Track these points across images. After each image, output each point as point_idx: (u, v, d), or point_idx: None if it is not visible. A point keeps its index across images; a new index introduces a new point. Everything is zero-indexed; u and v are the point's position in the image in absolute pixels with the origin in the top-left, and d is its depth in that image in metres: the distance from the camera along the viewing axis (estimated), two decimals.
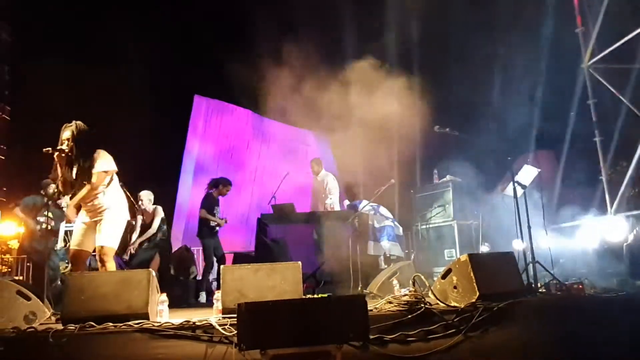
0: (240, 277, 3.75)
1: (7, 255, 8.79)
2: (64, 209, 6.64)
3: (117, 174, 4.62)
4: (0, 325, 3.22)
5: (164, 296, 3.81)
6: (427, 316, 3.46)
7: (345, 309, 2.82)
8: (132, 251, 6.62)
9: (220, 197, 7.29)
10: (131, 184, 6.83)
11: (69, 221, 6.01)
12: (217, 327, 3.16)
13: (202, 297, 6.93)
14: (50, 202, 6.30)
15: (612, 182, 8.53)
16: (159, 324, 3.27)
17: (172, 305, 3.92)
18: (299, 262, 3.85)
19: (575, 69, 9.29)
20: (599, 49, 8.75)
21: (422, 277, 4.19)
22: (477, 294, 3.70)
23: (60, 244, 6.92)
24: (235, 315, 2.83)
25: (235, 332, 2.95)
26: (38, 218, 6.43)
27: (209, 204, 7.13)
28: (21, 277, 7.38)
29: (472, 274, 3.79)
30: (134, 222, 6.74)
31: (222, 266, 3.96)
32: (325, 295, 4.85)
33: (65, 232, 7.04)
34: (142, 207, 6.80)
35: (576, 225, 7.65)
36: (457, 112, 10.36)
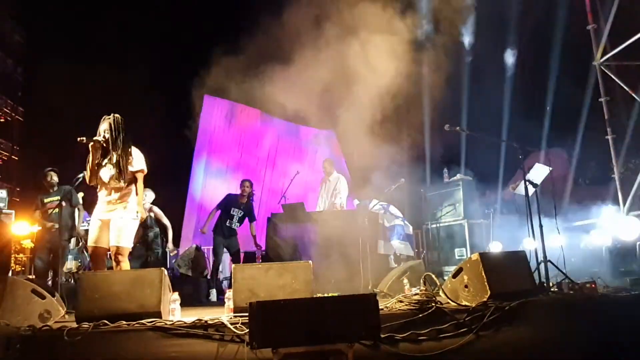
0: (252, 276, 3.77)
1: (21, 255, 8.92)
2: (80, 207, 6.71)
3: None
4: (16, 324, 3.26)
5: (176, 295, 3.84)
6: (438, 315, 3.45)
7: (356, 308, 2.82)
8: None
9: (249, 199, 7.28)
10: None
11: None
12: (229, 325, 3.18)
13: (213, 295, 6.97)
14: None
15: (625, 180, 8.43)
16: (171, 322, 3.30)
17: (183, 304, 3.95)
18: (310, 262, 3.87)
19: (586, 67, 9.20)
20: (610, 46, 8.65)
21: (433, 276, 4.18)
22: (489, 293, 3.68)
23: (72, 244, 7.00)
24: (246, 314, 2.85)
25: (247, 330, 2.97)
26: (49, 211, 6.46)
27: (223, 203, 7.19)
28: (34, 276, 7.47)
29: (483, 273, 3.77)
30: None
31: (233, 265, 3.98)
32: (336, 294, 4.87)
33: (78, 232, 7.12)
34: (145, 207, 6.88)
35: (588, 223, 7.57)
36: (468, 110, 10.33)
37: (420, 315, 3.41)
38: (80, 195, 6.93)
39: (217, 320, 3.26)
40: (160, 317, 3.44)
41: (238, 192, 7.26)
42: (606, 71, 8.71)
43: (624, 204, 8.03)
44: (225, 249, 7.25)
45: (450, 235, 7.37)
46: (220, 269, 7.87)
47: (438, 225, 7.53)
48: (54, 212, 6.18)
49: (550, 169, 5.82)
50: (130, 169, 4.44)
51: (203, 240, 8.39)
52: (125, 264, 4.39)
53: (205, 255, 7.72)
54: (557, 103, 10.40)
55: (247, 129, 11.63)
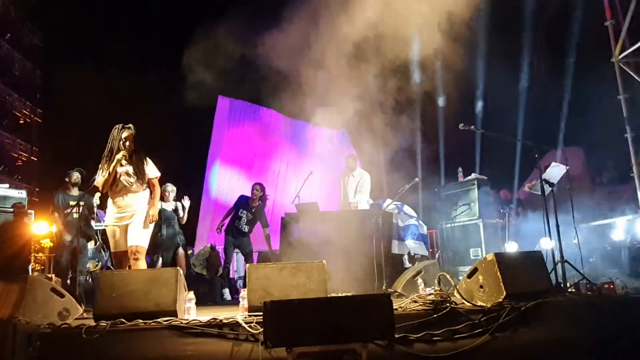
0: (266, 275, 3.79)
1: (40, 254, 9.08)
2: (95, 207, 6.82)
3: None
4: (36, 322, 3.32)
5: (192, 294, 3.88)
6: (452, 316, 3.44)
7: (370, 308, 2.82)
8: None
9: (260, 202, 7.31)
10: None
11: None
12: (244, 324, 3.20)
13: (227, 294, 7.03)
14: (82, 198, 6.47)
15: None
16: (186, 321, 3.34)
17: (198, 303, 3.99)
18: (324, 261, 3.87)
19: (604, 63, 9.04)
20: (629, 42, 8.49)
21: (448, 276, 4.16)
22: (504, 293, 3.65)
23: (91, 243, 7.11)
24: (261, 314, 2.86)
25: (261, 330, 2.99)
26: (68, 212, 6.59)
27: (236, 204, 7.25)
28: (53, 275, 7.60)
29: (498, 274, 3.73)
30: None
31: (247, 265, 4.01)
32: (350, 294, 4.87)
33: (95, 231, 7.24)
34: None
35: (607, 223, 7.44)
36: (483, 109, 10.24)
37: (435, 316, 3.40)
38: (97, 195, 7.04)
39: (231, 320, 3.29)
40: (176, 316, 3.49)
41: (249, 194, 7.32)
42: (625, 68, 8.55)
43: None
44: (237, 249, 7.30)
45: (465, 235, 7.31)
46: (235, 268, 7.94)
47: (453, 225, 7.48)
48: (75, 216, 6.37)
49: (567, 167, 5.74)
50: (154, 175, 4.74)
51: (218, 240, 8.45)
52: (143, 263, 4.52)
53: (220, 254, 7.78)
54: (574, 100, 10.24)
55: (261, 129, 11.68)
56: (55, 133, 11.36)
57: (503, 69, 9.90)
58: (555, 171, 5.69)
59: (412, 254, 6.76)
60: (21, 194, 6.78)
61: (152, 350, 3.17)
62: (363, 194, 7.36)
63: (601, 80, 9.13)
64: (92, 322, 3.37)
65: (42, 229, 7.64)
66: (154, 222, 4.69)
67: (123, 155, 4.53)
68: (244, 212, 7.18)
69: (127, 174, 4.56)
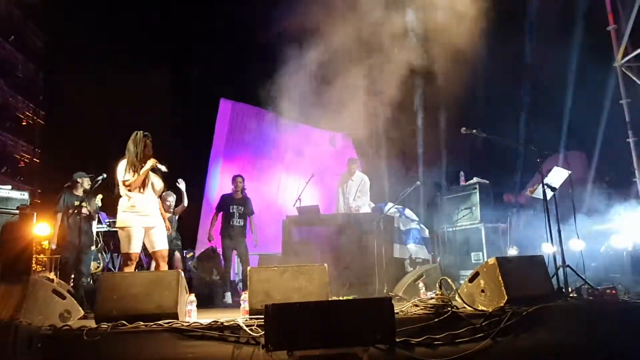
0: (267, 278, 3.79)
1: (42, 255, 9.08)
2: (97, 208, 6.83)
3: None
4: (37, 323, 3.33)
5: (193, 296, 3.88)
6: (454, 320, 3.43)
7: (371, 312, 2.82)
8: None
9: (247, 197, 7.33)
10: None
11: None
12: (245, 327, 3.20)
13: (228, 297, 7.02)
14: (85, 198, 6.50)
15: None
16: (187, 324, 3.34)
17: (199, 306, 3.99)
18: (325, 265, 3.87)
19: (606, 68, 9.04)
20: (632, 47, 8.49)
21: (449, 280, 4.15)
22: (506, 298, 3.64)
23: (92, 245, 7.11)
24: (262, 316, 2.86)
25: (262, 333, 2.99)
26: (72, 214, 6.59)
27: (220, 205, 7.25)
28: (54, 276, 7.61)
29: (500, 278, 3.73)
30: None
31: (248, 268, 4.01)
32: (351, 297, 4.86)
33: (97, 233, 7.25)
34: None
35: (609, 228, 7.43)
36: (485, 112, 10.24)
37: (436, 320, 3.40)
38: (99, 197, 7.05)
39: (232, 322, 3.29)
40: (177, 319, 3.49)
41: (230, 191, 7.31)
42: (627, 73, 8.56)
43: None
44: (234, 252, 7.30)
45: (466, 239, 7.29)
46: (235, 270, 7.92)
47: (454, 228, 7.47)
48: (83, 221, 6.40)
49: (570, 172, 5.73)
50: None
51: (219, 243, 8.45)
52: (165, 265, 4.81)
53: (221, 257, 7.77)
54: (576, 105, 10.23)
55: (263, 132, 11.68)
56: (58, 135, 11.39)
57: (506, 72, 9.90)
58: (558, 175, 5.68)
59: (414, 258, 6.75)
60: (23, 196, 6.79)
61: (153, 352, 3.17)
62: (364, 197, 7.38)
63: (603, 85, 9.13)
64: (93, 324, 3.37)
65: (43, 230, 7.65)
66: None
67: (155, 162, 4.76)
68: (234, 207, 7.19)
69: (156, 180, 4.85)
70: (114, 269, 7.87)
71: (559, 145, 10.12)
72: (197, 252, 8.56)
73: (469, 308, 3.77)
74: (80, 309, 3.97)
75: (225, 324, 3.28)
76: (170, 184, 7.24)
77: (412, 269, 6.43)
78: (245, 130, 11.50)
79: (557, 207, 4.83)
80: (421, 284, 4.90)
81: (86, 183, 6.58)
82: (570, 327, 3.53)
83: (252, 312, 3.64)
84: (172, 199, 7.19)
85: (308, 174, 7.96)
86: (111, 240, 8.05)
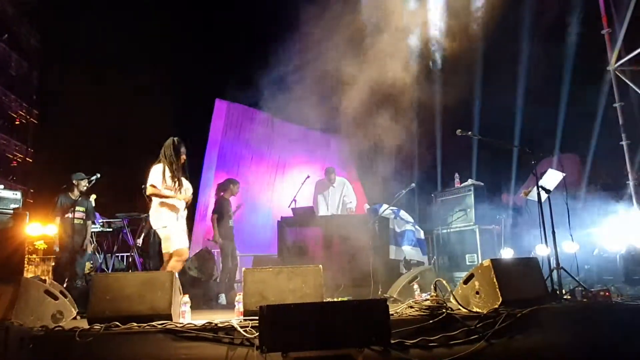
0: (262, 279, 3.78)
1: (34, 256, 9.02)
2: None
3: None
4: (29, 324, 3.29)
5: (187, 297, 3.86)
6: (448, 322, 3.43)
7: (367, 313, 2.82)
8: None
9: (234, 200, 7.35)
10: None
11: None
12: (239, 329, 3.18)
13: (222, 298, 6.98)
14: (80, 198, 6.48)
15: (639, 187, 8.31)
16: (181, 325, 3.32)
17: (193, 307, 3.97)
18: (320, 266, 3.86)
19: (599, 71, 9.10)
20: (625, 50, 8.55)
21: (444, 282, 4.15)
22: (500, 299, 3.65)
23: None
24: (256, 318, 2.85)
25: (257, 334, 2.97)
26: (68, 215, 6.56)
27: (221, 208, 7.21)
28: (47, 277, 7.56)
29: (495, 280, 3.73)
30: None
31: (243, 269, 3.99)
32: (346, 298, 4.85)
33: (91, 234, 7.19)
34: None
35: (602, 230, 7.47)
36: (480, 115, 10.28)
37: (431, 322, 3.39)
38: (93, 197, 7.01)
39: (227, 324, 3.27)
40: (171, 320, 3.46)
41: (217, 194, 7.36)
42: (621, 76, 8.61)
43: (639, 210, 7.92)
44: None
45: (460, 240, 7.31)
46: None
47: (449, 230, 7.48)
48: (77, 222, 6.38)
49: (564, 174, 5.75)
50: None
51: (212, 244, 8.42)
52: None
53: (215, 258, 7.75)
54: (570, 108, 10.30)
55: (258, 133, 11.66)
56: (51, 134, 11.32)
57: (500, 75, 9.95)
58: (552, 178, 5.71)
59: (409, 260, 6.75)
60: (16, 195, 6.73)
61: (146, 353, 3.14)
62: (354, 199, 7.46)
63: (597, 88, 9.19)
64: (86, 325, 3.34)
65: (36, 230, 7.60)
66: None
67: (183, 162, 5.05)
68: (230, 209, 7.20)
69: (184, 182, 5.08)
70: (107, 269, 7.82)
71: (553, 148, 10.18)
72: (191, 253, 8.51)
73: (464, 310, 3.78)
74: (73, 309, 3.94)
75: (219, 325, 3.26)
76: None
77: (406, 270, 6.43)
78: (241, 130, 11.47)
79: (552, 209, 4.84)
80: (416, 286, 4.90)
81: (83, 184, 6.55)
82: (564, 329, 3.54)
83: (247, 313, 3.62)
84: None
85: (303, 175, 7.96)
86: (105, 240, 8.01)
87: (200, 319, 3.52)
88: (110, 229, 7.95)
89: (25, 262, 7.12)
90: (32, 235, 7.75)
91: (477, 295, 3.85)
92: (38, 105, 12.60)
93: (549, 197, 5.00)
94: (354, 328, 2.77)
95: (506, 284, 3.72)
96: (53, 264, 7.14)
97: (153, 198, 4.92)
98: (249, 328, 3.17)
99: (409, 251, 6.81)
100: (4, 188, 6.90)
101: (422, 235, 7.29)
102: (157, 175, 4.88)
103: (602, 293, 4.19)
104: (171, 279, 3.66)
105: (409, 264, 6.70)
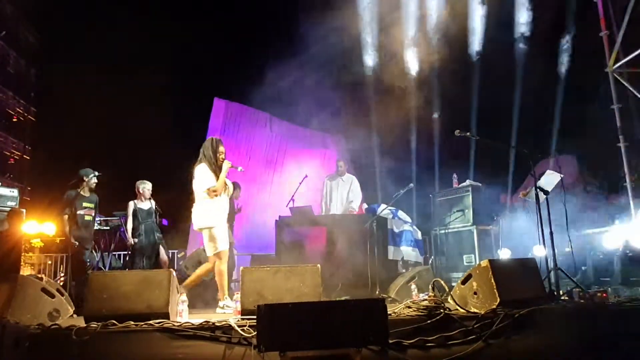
0: (260, 278, 3.77)
1: (30, 254, 8.99)
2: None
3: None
4: (25, 322, 3.27)
5: (184, 296, 3.85)
6: (446, 322, 3.42)
7: (364, 313, 2.81)
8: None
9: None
10: (152, 185, 6.97)
11: None
12: (236, 328, 3.17)
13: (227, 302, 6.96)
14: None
15: (637, 188, 8.33)
16: (179, 323, 3.31)
17: (190, 306, 3.96)
18: (318, 265, 3.85)
19: (597, 73, 9.13)
20: (623, 53, 8.56)
21: (442, 282, 4.15)
22: (498, 300, 3.65)
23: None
24: (254, 317, 2.84)
25: (254, 333, 2.96)
26: (79, 212, 6.50)
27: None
28: (43, 275, 7.52)
29: (492, 280, 3.73)
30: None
31: (241, 267, 3.99)
32: (344, 298, 4.85)
33: None
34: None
35: (600, 231, 7.48)
36: (478, 117, 10.30)
37: (429, 322, 3.39)
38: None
39: (224, 323, 3.26)
40: (168, 318, 3.45)
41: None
42: (619, 78, 8.63)
43: (636, 211, 7.94)
44: None
45: (458, 241, 7.31)
46: None
47: (446, 230, 7.48)
48: (87, 218, 6.41)
49: (562, 176, 5.77)
50: None
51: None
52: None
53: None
54: (567, 109, 10.32)
55: (256, 132, 11.64)
56: (49, 132, 11.29)
57: (499, 75, 9.97)
58: (550, 179, 5.72)
59: (407, 260, 6.76)
60: (13, 193, 6.70)
61: (143, 352, 3.13)
62: (358, 199, 7.40)
63: (595, 90, 9.21)
64: (82, 323, 3.32)
65: (32, 228, 7.57)
66: None
67: (230, 164, 5.09)
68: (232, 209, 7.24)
69: (227, 181, 5.11)
70: (104, 267, 7.79)
71: (551, 149, 10.21)
72: (189, 252, 8.50)
73: (462, 310, 3.78)
74: (70, 308, 3.92)
75: (216, 324, 3.25)
76: (171, 187, 7.19)
77: (404, 270, 6.44)
78: (239, 129, 11.45)
79: (549, 210, 4.85)
80: (413, 286, 4.90)
81: (93, 181, 6.51)
82: (561, 330, 3.54)
83: (245, 312, 3.61)
84: (149, 186, 6.99)
85: (301, 175, 7.94)
86: (102, 238, 7.98)
87: (197, 318, 3.51)
88: (108, 227, 7.92)
89: (22, 260, 7.11)
90: (28, 233, 7.73)
91: (475, 296, 3.85)
92: (36, 102, 12.57)
93: (546, 198, 5.01)
94: (351, 328, 2.76)
95: (504, 285, 3.72)
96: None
97: (198, 198, 4.95)
98: (246, 327, 3.16)
99: (407, 251, 6.81)
100: (1, 185, 6.87)
101: (420, 235, 7.29)
102: (206, 174, 4.94)
103: (599, 294, 4.20)
104: (169, 277, 3.65)
105: (407, 264, 6.70)
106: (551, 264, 4.59)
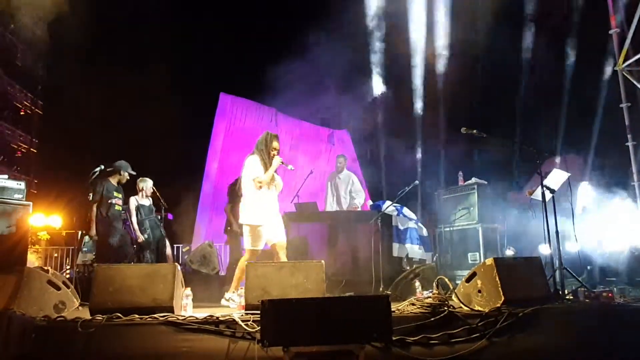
0: (264, 274, 3.78)
1: (37, 246, 9.07)
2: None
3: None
4: (31, 314, 3.30)
5: (189, 290, 3.86)
6: (450, 319, 3.42)
7: (368, 309, 2.80)
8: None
9: None
10: (157, 180, 6.98)
11: None
12: (240, 322, 3.19)
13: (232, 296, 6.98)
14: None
15: None
16: (183, 317, 3.33)
17: (195, 300, 3.97)
18: (322, 261, 3.86)
19: (603, 71, 9.06)
20: (633, 51, 8.48)
21: (446, 279, 4.15)
22: (502, 299, 3.64)
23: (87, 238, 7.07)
24: (258, 312, 2.85)
25: (258, 328, 2.97)
26: (111, 201, 6.50)
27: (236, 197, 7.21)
28: (49, 268, 7.58)
29: (497, 279, 3.72)
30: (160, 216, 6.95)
31: (246, 263, 4.00)
32: (348, 294, 4.85)
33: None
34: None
35: (606, 231, 7.43)
36: (483, 114, 10.24)
37: (432, 319, 3.39)
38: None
39: (228, 317, 3.28)
40: (173, 312, 3.47)
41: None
42: (628, 77, 8.55)
43: None
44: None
45: (463, 239, 7.28)
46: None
47: (452, 228, 7.46)
48: (118, 208, 6.38)
49: (569, 174, 5.73)
50: None
51: (215, 237, 8.43)
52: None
53: (218, 252, 7.75)
54: (574, 108, 10.25)
55: (261, 127, 11.64)
56: (56, 125, 11.35)
57: (505, 73, 9.91)
58: (557, 177, 5.68)
59: (411, 257, 6.74)
60: (20, 185, 6.73)
61: (147, 345, 3.15)
62: (361, 196, 7.39)
63: (603, 88, 9.14)
64: (88, 316, 3.35)
65: (39, 221, 7.63)
66: None
67: (281, 160, 5.01)
68: None
69: (276, 177, 5.05)
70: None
71: (557, 148, 10.14)
72: (194, 246, 8.53)
73: (466, 308, 3.77)
74: (75, 300, 3.95)
75: (221, 318, 3.27)
76: (178, 182, 7.19)
77: (408, 267, 6.42)
78: (244, 125, 11.46)
79: (556, 209, 4.82)
80: (418, 283, 4.89)
81: (126, 176, 6.51)
82: (566, 330, 3.53)
83: (249, 307, 3.62)
84: (150, 184, 7.00)
85: (306, 170, 7.94)
86: None
87: (202, 312, 3.53)
88: None
89: (29, 252, 7.14)
90: (35, 225, 7.79)
91: (479, 294, 3.84)
92: (43, 96, 12.63)
93: (553, 197, 4.98)
94: (355, 324, 2.76)
95: (508, 283, 3.71)
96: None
97: (245, 192, 4.89)
98: (250, 322, 3.18)
99: (412, 249, 6.80)
100: (8, 178, 6.91)
101: (425, 232, 7.28)
102: (256, 165, 4.88)
103: (604, 294, 4.18)
104: (174, 271, 3.67)
105: (412, 262, 6.69)
106: (556, 263, 4.57)
